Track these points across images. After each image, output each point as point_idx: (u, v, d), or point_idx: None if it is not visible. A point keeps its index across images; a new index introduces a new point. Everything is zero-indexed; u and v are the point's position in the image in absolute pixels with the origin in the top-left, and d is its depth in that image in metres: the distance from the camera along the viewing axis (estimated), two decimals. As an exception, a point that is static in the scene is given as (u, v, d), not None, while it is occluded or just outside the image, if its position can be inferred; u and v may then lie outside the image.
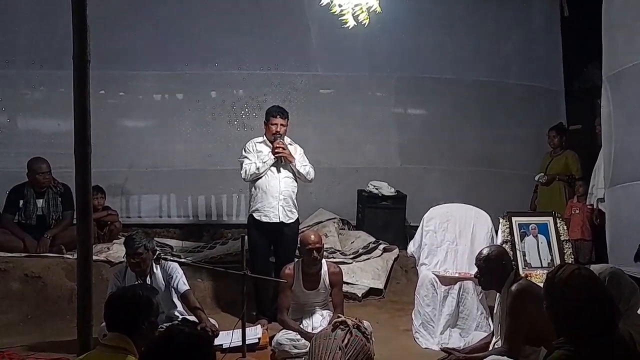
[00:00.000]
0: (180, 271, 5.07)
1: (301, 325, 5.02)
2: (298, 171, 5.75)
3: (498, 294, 4.23)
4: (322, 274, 5.16)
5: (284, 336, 4.89)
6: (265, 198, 5.70)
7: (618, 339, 2.50)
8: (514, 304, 3.91)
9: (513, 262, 4.79)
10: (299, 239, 5.20)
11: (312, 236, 5.10)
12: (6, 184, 6.59)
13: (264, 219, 5.70)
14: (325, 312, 5.18)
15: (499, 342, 4.08)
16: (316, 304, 5.20)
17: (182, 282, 5.01)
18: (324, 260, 5.23)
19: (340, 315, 4.81)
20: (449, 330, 5.29)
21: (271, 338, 5.05)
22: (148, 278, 4.94)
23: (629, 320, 2.89)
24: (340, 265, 5.82)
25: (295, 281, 5.12)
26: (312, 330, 4.94)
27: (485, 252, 4.26)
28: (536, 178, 7.51)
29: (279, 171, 5.72)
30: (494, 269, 4.16)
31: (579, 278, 2.56)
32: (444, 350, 4.42)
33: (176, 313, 5.07)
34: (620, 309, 2.61)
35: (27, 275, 5.96)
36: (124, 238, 6.60)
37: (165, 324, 4.63)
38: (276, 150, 5.64)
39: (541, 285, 2.77)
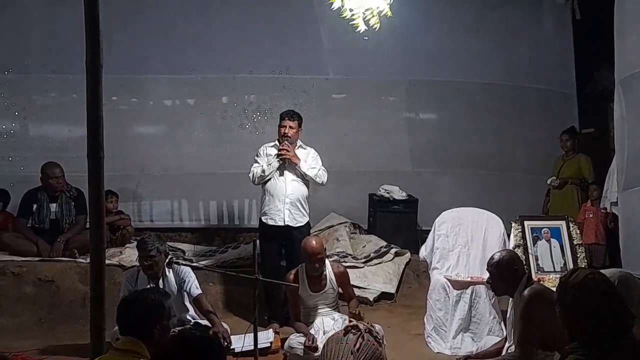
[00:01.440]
0: (193, 275, 5.07)
1: (312, 330, 5.00)
2: (305, 174, 5.75)
3: (511, 298, 4.20)
4: (327, 274, 5.16)
5: (296, 339, 4.89)
6: (272, 201, 5.73)
7: (632, 343, 2.48)
8: (527, 309, 3.88)
9: (525, 267, 4.75)
10: (301, 244, 5.19)
11: (314, 245, 5.01)
12: (20, 188, 6.64)
13: (270, 222, 5.73)
14: (337, 315, 5.17)
15: (512, 346, 4.05)
16: (325, 305, 5.19)
17: (194, 286, 5.00)
18: (327, 261, 5.24)
19: (352, 320, 4.79)
20: (461, 335, 5.27)
21: (283, 341, 5.05)
22: (160, 281, 4.94)
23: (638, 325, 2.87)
24: (351, 270, 5.85)
25: (301, 285, 5.12)
26: (324, 334, 4.93)
27: (496, 257, 4.22)
28: (548, 182, 7.47)
29: (282, 174, 5.73)
30: (506, 275, 4.12)
31: (593, 282, 2.55)
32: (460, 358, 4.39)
33: (188, 317, 5.08)
34: (634, 313, 2.59)
35: (40, 279, 6.00)
36: (135, 242, 6.68)
37: (177, 328, 4.65)
38: (280, 152, 5.66)
39: (554, 289, 2.76)
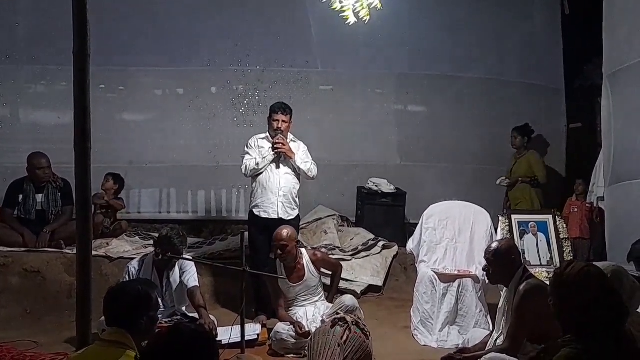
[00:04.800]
0: (194, 268, 5.17)
1: (296, 319, 5.05)
2: (298, 167, 5.74)
3: (505, 288, 4.20)
4: (305, 263, 5.22)
5: (282, 326, 4.93)
6: (265, 194, 5.71)
7: (626, 336, 2.49)
8: (522, 304, 3.86)
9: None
10: None
11: (282, 233, 5.13)
12: (6, 179, 6.60)
13: (263, 215, 5.71)
14: (319, 303, 5.22)
15: (502, 337, 4.06)
16: (308, 295, 5.24)
17: (193, 278, 5.11)
18: (303, 250, 5.31)
19: (339, 312, 4.81)
20: (448, 328, 5.30)
21: (270, 330, 5.07)
22: (165, 272, 5.06)
23: (630, 319, 2.89)
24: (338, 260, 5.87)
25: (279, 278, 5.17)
26: (308, 322, 4.97)
27: (494, 245, 4.23)
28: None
29: (278, 167, 5.71)
30: (503, 263, 4.11)
31: (587, 276, 2.56)
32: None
33: (183, 309, 5.17)
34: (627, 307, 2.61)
35: (26, 270, 5.96)
36: (123, 234, 6.68)
37: (165, 319, 4.69)
38: (275, 146, 5.64)
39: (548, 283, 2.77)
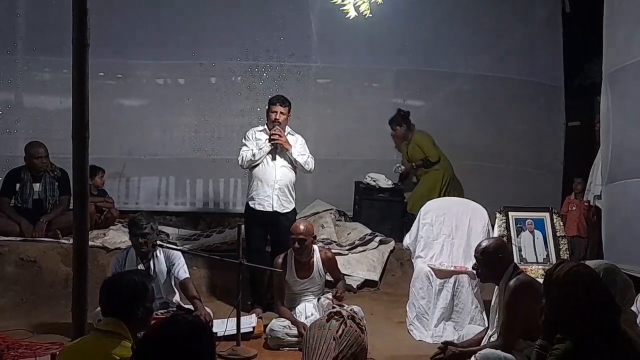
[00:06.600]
0: (183, 259, 5.12)
1: (293, 314, 5.06)
2: (295, 160, 5.73)
3: (496, 286, 4.22)
4: (315, 261, 5.20)
5: (277, 323, 4.92)
6: (261, 186, 5.71)
7: (622, 335, 2.50)
8: (512, 300, 3.89)
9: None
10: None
11: (300, 226, 5.13)
12: (4, 168, 6.60)
13: (258, 208, 5.71)
14: (322, 300, 5.20)
15: (495, 335, 4.08)
16: (311, 292, 5.23)
17: (183, 270, 5.05)
18: (315, 247, 5.29)
19: (335, 306, 4.81)
20: (443, 323, 5.31)
21: (265, 326, 5.07)
22: (151, 262, 4.99)
23: (622, 316, 2.90)
24: (335, 256, 5.85)
25: (288, 270, 5.16)
26: (305, 319, 4.97)
27: (483, 244, 4.24)
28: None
29: (274, 159, 5.70)
30: (492, 262, 4.14)
31: (576, 275, 2.56)
32: (440, 346, 4.40)
33: (174, 300, 5.13)
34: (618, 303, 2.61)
35: (22, 259, 5.96)
36: (119, 224, 6.68)
37: (160, 311, 4.68)
38: (272, 137, 5.64)
39: (539, 280, 2.78)
